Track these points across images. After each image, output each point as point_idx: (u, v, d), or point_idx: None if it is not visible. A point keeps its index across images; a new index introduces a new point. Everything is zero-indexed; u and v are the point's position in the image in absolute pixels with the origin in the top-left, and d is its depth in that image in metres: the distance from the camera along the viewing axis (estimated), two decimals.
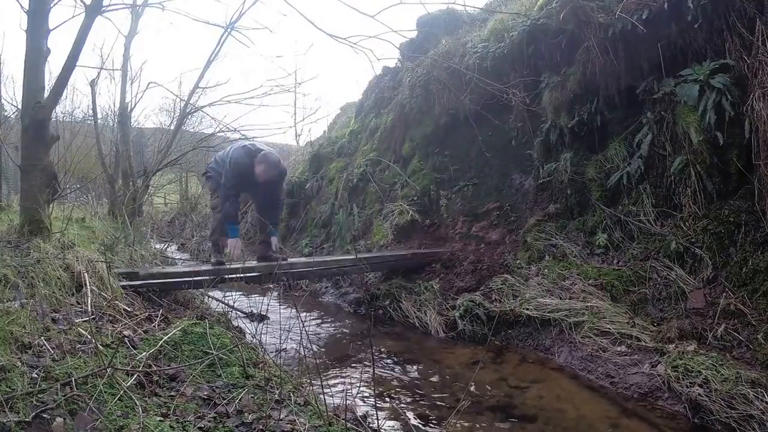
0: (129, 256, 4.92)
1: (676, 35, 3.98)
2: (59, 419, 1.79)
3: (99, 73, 9.20)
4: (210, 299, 4.71)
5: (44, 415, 1.79)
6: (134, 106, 10.13)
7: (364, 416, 2.43)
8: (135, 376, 2.22)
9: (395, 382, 3.35)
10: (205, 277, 3.95)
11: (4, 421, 1.68)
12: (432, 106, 6.30)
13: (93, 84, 8.57)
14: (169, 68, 36.21)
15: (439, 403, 3.00)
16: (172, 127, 11.83)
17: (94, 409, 1.88)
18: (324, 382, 2.37)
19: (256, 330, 3.52)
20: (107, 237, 5.23)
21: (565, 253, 4.54)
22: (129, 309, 3.18)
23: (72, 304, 2.96)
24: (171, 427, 1.94)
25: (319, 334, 4.61)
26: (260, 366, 2.72)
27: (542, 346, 3.88)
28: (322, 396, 2.30)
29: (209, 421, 2.05)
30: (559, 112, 4.99)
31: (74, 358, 2.24)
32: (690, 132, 3.78)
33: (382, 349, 4.06)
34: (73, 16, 4.55)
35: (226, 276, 4.06)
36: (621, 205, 4.42)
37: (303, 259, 5.71)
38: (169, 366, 2.47)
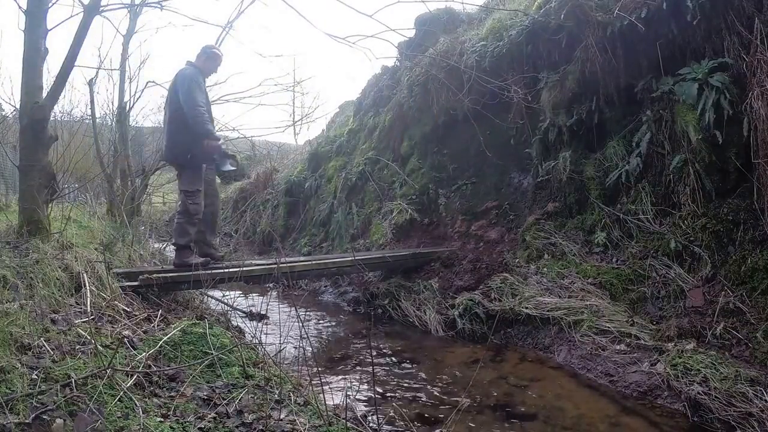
0: (128, 255, 4.92)
1: (675, 34, 3.98)
2: (59, 420, 1.79)
3: (97, 73, 9.17)
4: (209, 299, 4.71)
5: (44, 417, 1.79)
6: (133, 105, 10.11)
7: (364, 416, 2.44)
8: (135, 376, 2.22)
9: (395, 382, 3.35)
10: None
11: (4, 422, 1.68)
12: (430, 105, 6.30)
13: (91, 83, 8.56)
14: (168, 67, 36.13)
15: (439, 402, 3.00)
16: None
17: (94, 410, 1.88)
18: (324, 382, 2.37)
19: (255, 330, 3.52)
20: (106, 237, 5.22)
21: (564, 251, 4.55)
22: (128, 309, 3.18)
23: (71, 305, 2.96)
24: (171, 427, 1.95)
25: (318, 333, 4.61)
26: (260, 366, 2.72)
27: (541, 345, 3.89)
28: (322, 396, 2.31)
29: (209, 422, 2.05)
30: (558, 110, 4.99)
31: (74, 359, 2.24)
32: (689, 130, 3.79)
33: (382, 348, 4.06)
34: (72, 16, 4.55)
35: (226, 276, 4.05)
36: (620, 204, 4.42)
37: (302, 259, 5.71)
38: (168, 366, 2.47)
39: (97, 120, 9.45)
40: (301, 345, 3.35)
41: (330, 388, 2.70)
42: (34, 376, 2.01)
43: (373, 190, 7.05)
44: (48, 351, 2.26)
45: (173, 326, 2.86)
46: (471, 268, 5.03)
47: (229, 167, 4.59)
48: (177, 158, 4.45)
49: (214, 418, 2.09)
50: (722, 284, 3.46)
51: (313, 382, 2.48)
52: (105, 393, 2.01)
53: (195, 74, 4.37)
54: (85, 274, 3.22)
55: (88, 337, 2.46)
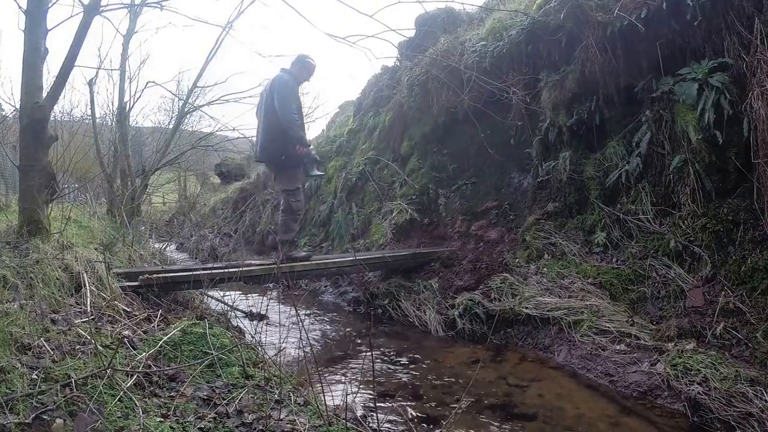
0: (128, 255, 4.92)
1: (675, 34, 3.98)
2: (59, 420, 1.79)
3: (97, 73, 9.23)
4: (209, 299, 4.71)
5: (44, 417, 1.79)
6: (132, 106, 10.15)
7: (364, 416, 2.44)
8: (135, 376, 2.22)
9: (395, 382, 3.35)
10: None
11: (4, 422, 1.68)
12: (431, 105, 6.30)
13: (91, 83, 8.56)
14: (168, 67, 36.13)
15: (438, 402, 3.00)
16: (171, 126, 11.83)
17: (94, 410, 1.88)
18: (324, 382, 2.37)
19: (255, 330, 3.52)
20: (106, 237, 5.22)
21: (564, 251, 4.55)
22: (128, 309, 3.18)
23: (71, 305, 2.96)
24: (171, 427, 1.95)
25: (318, 333, 4.61)
26: (260, 366, 2.72)
27: (541, 345, 3.88)
28: (322, 396, 2.31)
29: (209, 422, 2.05)
30: (558, 110, 4.99)
31: (74, 359, 2.24)
32: (689, 130, 3.79)
33: (382, 348, 4.06)
34: (72, 16, 4.54)
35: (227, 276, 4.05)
36: (620, 204, 4.42)
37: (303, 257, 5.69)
38: (168, 366, 2.47)
39: (97, 120, 9.47)
40: (301, 345, 3.35)
41: (330, 388, 2.70)
42: (34, 376, 2.01)
43: (373, 190, 7.05)
44: (48, 351, 2.26)
45: (173, 326, 2.87)
46: (471, 268, 5.03)
47: (317, 172, 4.97)
48: (272, 160, 4.78)
49: (214, 418, 2.09)
50: (722, 284, 3.46)
51: (313, 382, 2.48)
52: (105, 393, 2.01)
53: (291, 81, 4.68)
54: (85, 274, 3.22)
55: (88, 337, 2.46)
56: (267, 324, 4.04)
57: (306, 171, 4.87)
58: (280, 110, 4.54)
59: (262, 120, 4.76)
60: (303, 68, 4.83)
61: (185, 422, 2.01)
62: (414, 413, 2.82)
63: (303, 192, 4.89)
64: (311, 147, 4.98)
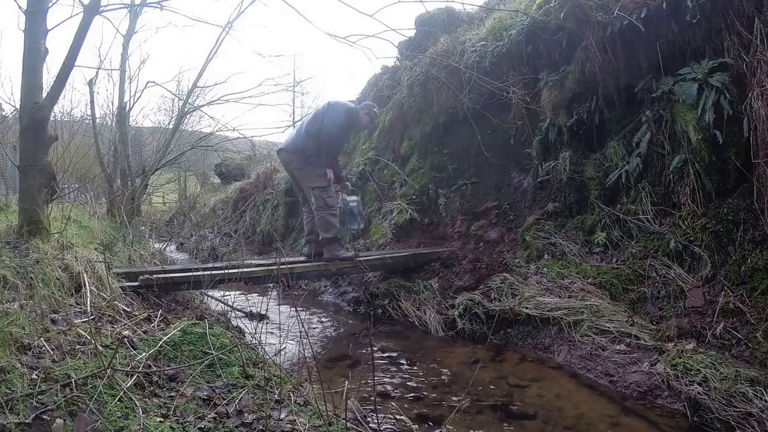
0: (128, 255, 4.92)
1: (675, 34, 3.98)
2: (59, 420, 1.79)
3: (97, 73, 9.18)
4: (209, 299, 4.71)
5: (44, 417, 1.79)
6: (132, 106, 10.11)
7: (364, 416, 2.44)
8: (135, 376, 2.22)
9: (395, 382, 3.35)
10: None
11: (4, 422, 1.68)
12: (431, 105, 6.30)
13: (91, 83, 8.54)
14: (168, 67, 36.18)
15: (438, 402, 3.00)
16: (171, 126, 11.84)
17: (94, 410, 1.88)
18: (324, 382, 2.37)
19: (255, 330, 3.52)
20: (106, 237, 5.22)
21: (564, 251, 4.55)
22: (128, 309, 3.18)
23: (71, 305, 2.95)
24: (171, 428, 1.95)
25: (318, 333, 4.61)
26: (260, 366, 2.72)
27: (541, 345, 3.89)
28: (322, 396, 2.30)
29: (209, 422, 2.05)
30: (558, 110, 4.99)
31: (74, 359, 2.24)
32: (689, 130, 3.79)
33: (382, 348, 4.06)
34: (72, 16, 4.56)
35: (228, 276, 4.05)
36: (620, 204, 4.43)
37: (302, 259, 5.70)
38: (168, 366, 2.47)
39: (97, 120, 9.45)
40: (301, 345, 3.35)
41: (330, 388, 2.70)
42: (34, 376, 2.01)
43: (373, 190, 7.05)
44: (48, 351, 2.25)
45: (173, 326, 2.86)
46: (471, 268, 5.02)
47: (355, 226, 5.26)
48: (297, 151, 4.89)
49: (214, 418, 2.09)
50: (722, 284, 3.46)
51: (313, 382, 2.48)
52: (105, 393, 2.01)
53: (352, 114, 4.87)
54: (85, 274, 3.21)
55: (88, 337, 2.46)
56: (267, 324, 4.04)
57: (343, 221, 5.01)
58: (325, 129, 4.71)
59: (308, 119, 4.95)
60: (367, 114, 4.98)
61: (185, 422, 2.01)
62: (414, 413, 2.82)
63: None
64: (355, 200, 5.15)
